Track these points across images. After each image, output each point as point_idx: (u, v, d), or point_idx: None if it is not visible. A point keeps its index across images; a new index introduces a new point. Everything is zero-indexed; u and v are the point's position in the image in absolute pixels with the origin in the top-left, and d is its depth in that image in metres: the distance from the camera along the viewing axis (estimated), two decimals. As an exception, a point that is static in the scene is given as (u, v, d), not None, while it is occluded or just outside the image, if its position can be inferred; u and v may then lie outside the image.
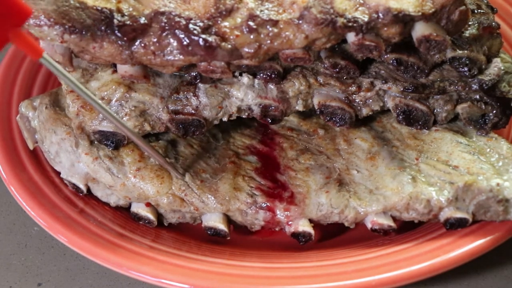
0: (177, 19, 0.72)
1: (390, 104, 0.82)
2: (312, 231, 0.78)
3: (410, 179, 0.78)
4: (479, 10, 0.82)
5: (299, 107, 0.82)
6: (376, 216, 0.78)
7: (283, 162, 0.82)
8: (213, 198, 0.79)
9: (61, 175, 0.84)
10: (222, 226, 0.79)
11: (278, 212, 0.79)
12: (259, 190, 0.80)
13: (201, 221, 0.81)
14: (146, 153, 0.80)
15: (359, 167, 0.81)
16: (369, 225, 0.78)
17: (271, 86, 0.80)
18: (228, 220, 0.80)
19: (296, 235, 0.79)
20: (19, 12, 0.59)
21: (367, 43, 0.72)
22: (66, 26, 0.72)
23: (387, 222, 0.78)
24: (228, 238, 0.80)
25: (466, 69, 0.79)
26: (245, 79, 0.80)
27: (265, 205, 0.79)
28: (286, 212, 0.78)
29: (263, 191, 0.80)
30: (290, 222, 0.79)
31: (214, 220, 0.80)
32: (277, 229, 0.80)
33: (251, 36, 0.72)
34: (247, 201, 0.79)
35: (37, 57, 0.62)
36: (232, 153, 0.84)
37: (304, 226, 0.78)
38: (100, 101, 0.72)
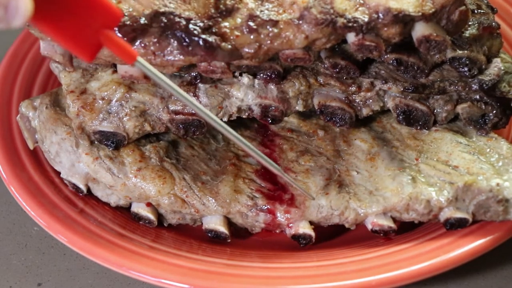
0: (177, 19, 0.72)
1: (390, 104, 0.82)
2: (312, 233, 0.78)
3: (410, 179, 0.78)
4: (479, 10, 0.82)
5: (299, 107, 0.82)
6: (376, 217, 0.78)
7: (283, 164, 0.82)
8: (213, 200, 0.79)
9: (61, 175, 0.84)
10: (222, 229, 0.79)
11: (278, 214, 0.79)
12: (260, 193, 0.80)
13: (201, 223, 0.81)
14: None
15: (359, 168, 0.81)
16: (369, 226, 0.78)
17: (271, 86, 0.80)
18: (229, 223, 0.80)
19: (296, 237, 0.79)
20: (110, 14, 0.57)
21: (367, 43, 0.72)
22: (66, 26, 0.72)
23: (387, 223, 0.78)
24: (229, 240, 0.80)
25: (466, 69, 0.79)
26: (245, 79, 0.80)
27: (265, 207, 0.79)
28: (286, 215, 0.78)
29: (263, 194, 0.80)
30: (291, 225, 0.79)
31: (214, 223, 0.79)
32: (277, 231, 0.80)
33: (251, 36, 0.72)
34: (248, 204, 0.79)
35: (131, 61, 0.60)
36: (233, 155, 0.84)
37: (304, 228, 0.78)
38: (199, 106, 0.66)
